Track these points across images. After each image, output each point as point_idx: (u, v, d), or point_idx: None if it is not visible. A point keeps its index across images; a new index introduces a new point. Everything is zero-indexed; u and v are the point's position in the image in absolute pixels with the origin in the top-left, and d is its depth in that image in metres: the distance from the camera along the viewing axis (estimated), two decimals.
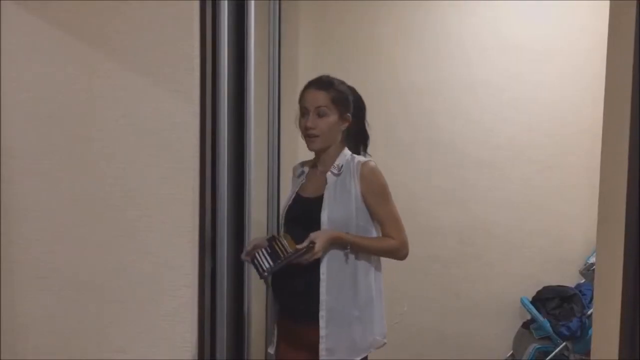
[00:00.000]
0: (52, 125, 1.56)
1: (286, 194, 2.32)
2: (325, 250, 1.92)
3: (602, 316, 1.41)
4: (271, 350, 2.17)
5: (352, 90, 2.10)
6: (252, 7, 2.12)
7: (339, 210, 1.96)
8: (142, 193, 1.55)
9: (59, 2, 1.53)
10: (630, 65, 1.23)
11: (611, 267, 1.30)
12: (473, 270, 3.57)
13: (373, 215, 2.01)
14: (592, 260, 3.25)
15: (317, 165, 2.10)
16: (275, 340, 2.15)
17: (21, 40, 1.55)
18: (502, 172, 3.52)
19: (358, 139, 2.14)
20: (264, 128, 2.84)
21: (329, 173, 2.02)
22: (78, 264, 1.57)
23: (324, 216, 1.95)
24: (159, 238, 1.56)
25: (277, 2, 2.84)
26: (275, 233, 2.10)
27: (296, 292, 2.01)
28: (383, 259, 2.10)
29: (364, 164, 2.00)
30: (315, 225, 1.95)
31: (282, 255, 1.89)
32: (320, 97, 1.98)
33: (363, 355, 2.01)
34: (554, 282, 3.42)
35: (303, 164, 2.19)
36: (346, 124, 2.05)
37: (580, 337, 3.09)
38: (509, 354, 3.52)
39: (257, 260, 1.91)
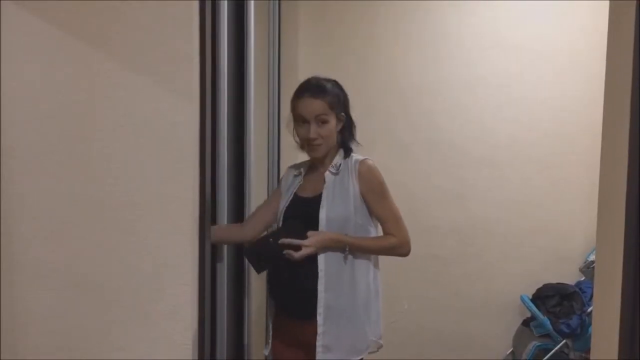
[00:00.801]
0: (51, 124, 1.56)
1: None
2: (320, 249, 1.92)
3: (601, 314, 1.41)
4: (266, 352, 2.17)
5: (337, 84, 2.07)
6: (251, 7, 2.13)
7: (338, 209, 1.96)
8: (142, 192, 1.55)
9: (59, 2, 1.53)
10: (630, 65, 1.23)
11: (611, 265, 1.31)
12: (473, 269, 3.57)
13: (373, 213, 2.01)
14: (592, 257, 3.26)
15: (314, 166, 2.10)
16: (270, 340, 2.15)
17: (21, 40, 1.54)
18: (501, 171, 3.52)
19: (346, 130, 2.10)
20: (263, 127, 2.85)
21: (327, 172, 2.02)
22: (78, 263, 1.57)
23: (322, 215, 1.95)
24: (159, 237, 1.56)
25: (277, 2, 2.84)
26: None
27: (293, 290, 2.01)
28: (382, 258, 2.10)
29: (362, 162, 2.00)
30: (314, 224, 1.95)
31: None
32: (318, 106, 1.96)
33: (360, 357, 2.01)
34: (554, 279, 3.42)
35: (298, 165, 2.18)
36: (341, 124, 2.05)
37: (580, 334, 3.09)
38: (509, 352, 3.52)
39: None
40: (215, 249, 1.85)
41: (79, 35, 1.53)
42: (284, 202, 2.10)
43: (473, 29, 3.49)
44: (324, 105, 1.96)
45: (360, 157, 2.02)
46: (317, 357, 1.94)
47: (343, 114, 2.04)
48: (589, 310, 3.07)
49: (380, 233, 2.06)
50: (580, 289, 3.26)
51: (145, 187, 1.55)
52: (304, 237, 1.91)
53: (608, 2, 1.40)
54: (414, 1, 3.52)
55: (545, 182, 3.49)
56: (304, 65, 3.50)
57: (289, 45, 3.31)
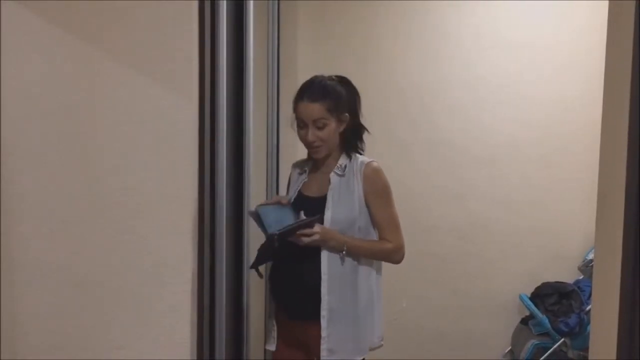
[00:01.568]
0: (51, 123, 1.56)
1: (284, 191, 2.32)
2: (322, 242, 1.92)
3: (600, 312, 1.41)
4: (270, 348, 2.17)
5: (344, 83, 2.05)
6: (250, 5, 2.12)
7: (343, 211, 1.95)
8: (141, 191, 1.56)
9: (59, 2, 1.53)
10: (629, 63, 1.23)
11: (609, 264, 1.31)
12: (472, 267, 3.57)
13: (372, 216, 2.00)
14: (591, 256, 3.26)
15: (318, 165, 2.09)
16: (275, 335, 2.15)
17: (20, 38, 1.54)
18: (500, 170, 3.52)
19: (350, 130, 2.07)
20: (263, 126, 2.84)
21: (332, 173, 2.01)
22: (77, 262, 1.57)
23: (328, 216, 1.95)
24: (158, 235, 1.56)
25: (276, 1, 2.84)
26: None
27: (295, 291, 2.01)
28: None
29: (368, 164, 1.99)
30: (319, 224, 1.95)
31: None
32: (316, 110, 1.94)
33: (362, 356, 2.02)
34: (552, 278, 3.43)
35: (304, 162, 2.17)
36: (344, 125, 2.03)
37: (579, 333, 3.09)
38: (507, 350, 3.53)
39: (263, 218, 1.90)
40: (214, 247, 1.85)
41: (79, 34, 1.53)
42: (288, 199, 2.10)
43: (472, 29, 3.49)
44: (322, 109, 1.94)
45: (367, 159, 2.01)
46: None
47: (346, 114, 2.02)
48: (588, 308, 3.08)
49: None
50: (579, 287, 3.27)
51: (145, 186, 1.55)
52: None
53: (607, 1, 1.40)
54: (413, 1, 3.52)
55: (544, 181, 3.49)
56: (303, 64, 3.50)
57: (288, 45, 3.31)
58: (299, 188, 2.09)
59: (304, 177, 2.11)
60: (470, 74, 3.50)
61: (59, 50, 1.54)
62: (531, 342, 3.20)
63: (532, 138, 3.49)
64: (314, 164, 2.11)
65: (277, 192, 2.90)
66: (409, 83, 3.55)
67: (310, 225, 1.90)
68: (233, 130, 2.05)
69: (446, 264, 3.59)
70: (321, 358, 1.94)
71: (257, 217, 1.92)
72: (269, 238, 1.86)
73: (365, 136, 2.14)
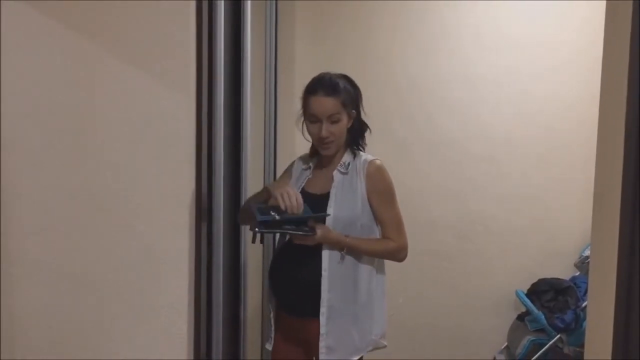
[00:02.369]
0: (49, 119, 1.55)
1: None
2: (321, 243, 1.92)
3: (596, 309, 1.42)
4: (269, 347, 2.17)
5: (349, 80, 2.05)
6: (248, 3, 2.12)
7: (346, 208, 1.95)
8: (139, 187, 1.56)
9: None
10: (627, 61, 1.23)
11: (605, 260, 1.31)
12: (469, 264, 3.58)
13: (375, 215, 1.99)
14: (587, 253, 3.26)
15: (323, 162, 2.08)
16: (272, 335, 2.15)
17: (19, 34, 1.54)
18: (498, 167, 3.53)
19: (357, 131, 2.09)
20: (260, 123, 2.84)
21: (335, 171, 2.00)
22: (75, 258, 1.57)
23: (330, 214, 1.94)
24: (156, 232, 1.56)
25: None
26: None
27: (295, 288, 2.01)
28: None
29: (371, 162, 1.99)
30: (321, 222, 1.94)
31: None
32: (331, 105, 1.94)
33: (361, 354, 2.02)
34: (548, 274, 3.44)
35: (307, 159, 2.16)
36: (351, 121, 2.03)
37: (575, 329, 3.10)
38: (503, 346, 3.54)
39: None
40: (212, 243, 1.85)
41: (77, 30, 1.53)
42: None
43: (471, 27, 3.48)
44: (337, 104, 1.94)
45: (370, 157, 2.01)
46: (320, 358, 1.94)
47: (354, 110, 2.03)
48: (584, 305, 3.09)
49: None
50: (575, 284, 3.28)
51: (142, 183, 1.55)
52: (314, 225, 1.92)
53: (605, 0, 1.41)
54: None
55: (541, 178, 3.50)
56: (301, 62, 3.49)
57: (286, 42, 3.31)
58: (302, 185, 2.08)
59: (308, 173, 2.10)
60: (469, 71, 3.50)
61: (57, 46, 1.54)
62: (527, 338, 3.21)
63: (530, 136, 3.49)
64: (318, 161, 2.11)
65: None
66: (408, 81, 3.54)
67: (317, 219, 1.90)
68: (230, 127, 2.05)
69: (443, 261, 3.60)
70: (320, 355, 1.94)
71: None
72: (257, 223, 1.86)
73: (365, 134, 2.14)
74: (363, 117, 2.11)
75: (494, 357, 3.55)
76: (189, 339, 1.58)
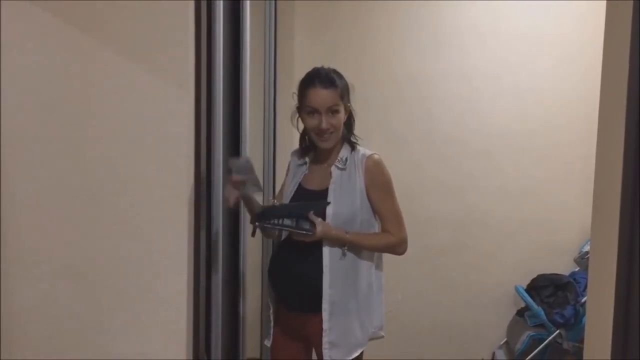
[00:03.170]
0: (46, 113, 1.55)
1: (281, 183, 2.31)
2: (321, 239, 1.92)
3: (595, 304, 1.42)
4: (268, 343, 2.17)
5: (340, 74, 2.06)
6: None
7: (345, 205, 1.94)
8: (137, 181, 1.55)
9: None
10: (627, 55, 1.23)
11: (605, 256, 1.31)
12: (467, 259, 3.58)
13: (374, 209, 1.99)
14: (587, 248, 3.26)
15: (319, 157, 2.08)
16: (271, 332, 2.15)
17: (15, 28, 1.53)
18: (497, 161, 3.52)
19: (350, 125, 2.09)
20: (259, 118, 2.84)
21: (333, 167, 2.00)
22: (72, 252, 1.57)
23: (329, 210, 1.94)
24: (154, 226, 1.56)
25: None
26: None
27: (296, 284, 2.01)
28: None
29: (369, 157, 1.98)
30: (320, 217, 1.94)
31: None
32: (330, 97, 1.95)
33: (363, 349, 2.02)
34: (548, 270, 3.44)
35: (304, 153, 2.16)
36: (347, 115, 2.04)
37: (574, 324, 3.11)
38: (503, 342, 3.54)
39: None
40: (210, 237, 1.85)
41: (75, 24, 1.52)
42: (289, 191, 2.09)
43: (470, 21, 3.48)
44: (336, 95, 1.95)
45: (368, 152, 2.01)
46: (323, 353, 1.95)
47: (349, 104, 2.03)
48: (583, 300, 3.09)
49: None
50: (574, 279, 3.28)
51: (141, 176, 1.55)
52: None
53: None
54: None
55: (540, 172, 3.50)
56: (300, 55, 3.48)
57: (285, 36, 3.30)
58: (299, 181, 2.08)
59: (304, 169, 2.09)
60: (467, 67, 3.50)
61: (54, 40, 1.53)
62: (527, 334, 3.21)
63: (528, 130, 3.49)
64: (315, 156, 2.10)
65: (274, 183, 2.90)
66: (406, 77, 3.54)
67: (318, 208, 1.89)
68: (229, 121, 2.05)
69: (442, 256, 3.60)
70: (323, 351, 1.95)
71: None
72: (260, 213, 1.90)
73: (361, 128, 2.13)
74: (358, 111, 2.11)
75: (493, 353, 3.55)
76: (187, 336, 1.58)
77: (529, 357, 3.17)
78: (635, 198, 1.20)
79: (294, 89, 2.05)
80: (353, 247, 1.95)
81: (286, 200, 2.08)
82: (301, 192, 2.05)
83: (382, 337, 2.09)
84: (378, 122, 3.50)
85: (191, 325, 1.59)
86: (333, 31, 3.54)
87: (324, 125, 1.95)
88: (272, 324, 2.15)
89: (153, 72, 1.52)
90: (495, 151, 3.52)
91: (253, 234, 2.04)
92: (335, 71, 2.03)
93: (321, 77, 1.97)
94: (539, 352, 3.16)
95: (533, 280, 3.40)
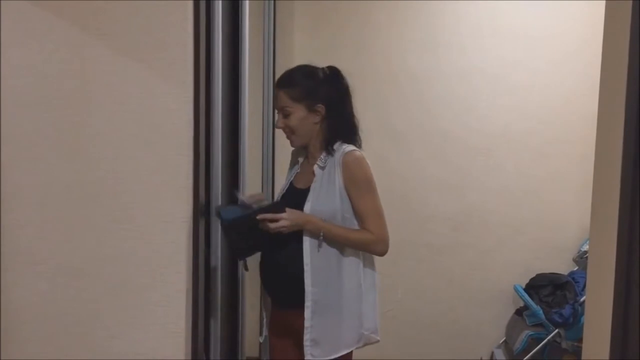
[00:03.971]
0: (44, 111, 1.54)
1: (280, 182, 2.32)
2: (294, 226, 1.90)
3: (594, 304, 1.42)
4: (261, 339, 2.18)
5: (328, 74, 2.02)
6: None
7: (323, 203, 1.94)
8: (136, 179, 1.55)
9: None
10: (626, 53, 1.23)
11: (604, 255, 1.31)
12: (467, 258, 3.58)
13: (353, 207, 1.96)
14: (586, 248, 3.26)
15: (309, 157, 2.08)
16: (265, 329, 2.16)
17: (12, 25, 1.53)
18: (496, 160, 3.52)
19: (335, 126, 2.01)
20: (258, 115, 2.84)
21: (315, 166, 2.00)
22: (71, 250, 1.57)
23: (307, 208, 1.93)
24: (153, 225, 1.55)
25: None
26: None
27: (281, 280, 2.02)
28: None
29: (348, 153, 1.95)
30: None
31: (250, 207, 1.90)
32: (281, 97, 1.97)
33: (350, 349, 2.00)
34: (547, 269, 3.44)
35: (300, 152, 2.16)
36: (319, 116, 1.98)
37: (573, 324, 3.11)
38: (501, 341, 3.54)
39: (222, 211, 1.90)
40: (209, 236, 1.84)
41: (71, 20, 1.52)
42: (281, 191, 2.12)
43: (469, 18, 3.47)
44: (285, 97, 1.95)
45: (349, 149, 1.96)
46: (305, 351, 1.94)
47: (320, 105, 1.97)
48: (582, 300, 3.09)
49: None
50: (573, 278, 3.28)
51: (139, 174, 1.55)
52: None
53: None
54: None
55: (539, 171, 3.50)
56: (299, 52, 3.48)
57: (284, 32, 3.30)
58: (291, 179, 2.10)
59: (297, 167, 2.12)
60: (467, 65, 3.49)
61: (51, 37, 1.53)
62: (525, 333, 3.21)
63: (528, 128, 3.48)
64: (306, 156, 2.11)
65: (273, 181, 2.90)
66: (406, 74, 3.53)
67: (273, 210, 1.89)
68: (228, 119, 2.04)
69: (441, 255, 3.59)
70: (304, 348, 1.94)
71: (219, 215, 1.90)
72: (222, 227, 1.88)
73: (360, 126, 2.10)
74: (355, 112, 2.07)
75: (492, 352, 3.55)
76: (186, 332, 1.58)
77: (528, 356, 3.17)
78: (634, 197, 1.20)
79: None
80: (329, 236, 1.92)
81: (278, 197, 2.12)
82: (290, 190, 2.08)
83: (378, 341, 2.06)
84: (377, 120, 3.50)
85: (190, 324, 1.59)
86: (332, 29, 3.54)
87: (278, 124, 2.00)
88: (265, 320, 2.16)
89: (152, 71, 1.52)
90: (495, 150, 3.52)
91: (246, 268, 2.08)
92: (300, 70, 2.01)
93: (281, 78, 2.01)
94: (537, 351, 3.16)
95: (532, 280, 3.40)
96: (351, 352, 2.01)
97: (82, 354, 1.58)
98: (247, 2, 2.14)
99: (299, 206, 1.94)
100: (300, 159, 2.12)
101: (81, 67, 1.53)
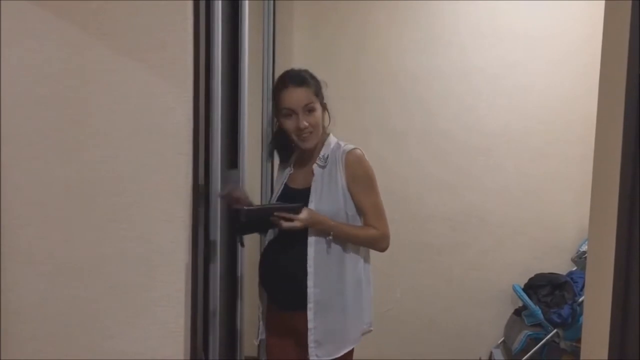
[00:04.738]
0: (43, 110, 1.54)
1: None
2: (308, 226, 1.92)
3: (593, 304, 1.42)
4: (256, 342, 2.18)
5: (311, 73, 2.05)
6: None
7: (327, 203, 1.94)
8: (135, 178, 1.55)
9: None
10: (625, 54, 1.23)
11: (603, 255, 1.31)
12: (466, 258, 3.58)
13: (356, 205, 1.98)
14: (584, 248, 3.27)
15: (303, 157, 2.08)
16: (259, 331, 2.16)
17: (12, 23, 1.53)
18: (495, 160, 3.53)
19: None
20: (257, 115, 2.84)
21: (315, 165, 2.00)
22: (70, 250, 1.57)
23: (312, 208, 1.94)
24: (152, 223, 1.55)
25: None
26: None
27: (283, 281, 2.01)
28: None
29: (350, 152, 1.97)
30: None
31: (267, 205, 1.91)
32: (305, 95, 1.94)
33: (353, 346, 2.02)
34: (546, 269, 3.44)
35: (287, 159, 2.17)
36: (325, 112, 2.03)
37: (571, 324, 3.11)
38: (500, 341, 3.54)
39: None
40: (208, 235, 1.84)
41: (71, 19, 1.52)
42: (276, 193, 2.10)
43: (469, 18, 3.48)
44: (310, 93, 1.95)
45: (349, 147, 1.99)
46: (309, 352, 1.95)
47: (325, 102, 2.03)
48: (580, 300, 3.09)
49: None
50: (571, 278, 3.28)
51: (139, 173, 1.55)
52: (292, 229, 1.91)
53: None
54: None
55: (538, 171, 3.50)
56: (299, 55, 3.48)
57: (283, 32, 3.29)
58: (285, 181, 2.09)
59: (289, 169, 2.11)
60: (466, 65, 3.50)
61: (51, 37, 1.53)
62: (524, 333, 3.22)
63: (527, 128, 3.49)
64: (298, 156, 2.10)
65: (272, 180, 2.90)
66: (405, 74, 3.53)
67: (291, 211, 1.90)
68: (227, 118, 2.04)
69: (440, 255, 3.60)
70: (309, 349, 1.94)
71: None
72: (238, 212, 1.89)
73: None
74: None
75: (491, 352, 3.55)
76: (185, 331, 1.58)
77: (526, 356, 3.18)
78: (633, 198, 1.21)
79: None
80: (338, 235, 1.94)
81: (274, 199, 2.10)
82: (287, 191, 2.07)
83: (371, 330, 2.09)
84: (376, 120, 3.50)
85: (189, 324, 1.59)
86: (331, 29, 3.54)
87: (302, 124, 1.94)
88: (261, 322, 2.15)
89: (152, 70, 1.52)
90: (494, 150, 3.52)
91: (242, 244, 2.06)
92: (305, 71, 2.03)
93: (292, 77, 1.98)
94: (536, 351, 3.17)
95: (531, 280, 3.40)
96: (353, 348, 2.02)
97: (82, 354, 1.58)
98: (247, 2, 2.14)
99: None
100: (291, 162, 2.12)
101: (81, 66, 1.53)
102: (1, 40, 1.52)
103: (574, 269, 3.39)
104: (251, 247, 2.68)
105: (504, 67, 3.47)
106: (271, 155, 2.18)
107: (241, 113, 2.19)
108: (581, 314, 3.00)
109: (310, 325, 1.94)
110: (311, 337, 1.94)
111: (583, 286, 3.11)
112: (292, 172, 2.10)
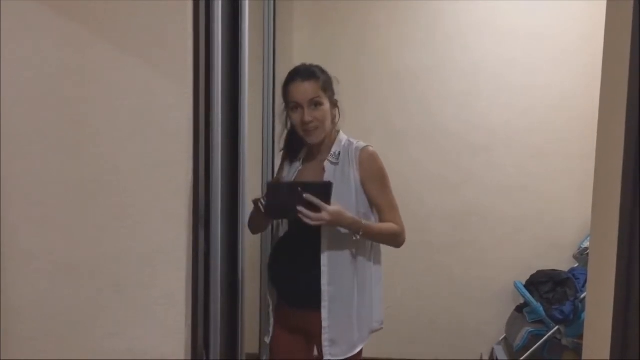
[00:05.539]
0: (42, 108, 1.54)
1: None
2: (332, 222, 1.87)
3: (595, 300, 1.41)
4: (267, 340, 2.17)
5: (323, 69, 2.05)
6: None
7: (340, 199, 1.93)
8: (135, 176, 1.54)
9: None
10: (627, 52, 1.22)
11: (605, 252, 1.31)
12: (467, 255, 3.58)
13: (372, 202, 1.99)
14: (586, 244, 3.27)
15: (312, 152, 2.07)
16: (271, 329, 2.15)
17: (11, 21, 1.52)
18: (496, 158, 3.53)
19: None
20: (258, 112, 2.83)
21: (326, 162, 1.99)
22: (70, 248, 1.56)
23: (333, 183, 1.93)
24: (152, 222, 1.55)
25: None
26: None
27: (296, 279, 2.01)
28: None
29: (363, 149, 1.97)
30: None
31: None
32: (311, 88, 1.94)
33: (364, 344, 2.02)
34: (547, 266, 3.44)
35: (296, 151, 2.15)
36: (336, 109, 2.03)
37: (573, 320, 3.11)
38: (502, 338, 3.54)
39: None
40: (209, 234, 1.84)
41: (71, 16, 1.51)
42: None
43: (470, 16, 3.48)
44: (316, 87, 1.94)
45: (362, 145, 1.99)
46: (323, 351, 1.95)
47: (336, 98, 2.02)
48: (582, 296, 3.09)
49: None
50: (573, 275, 3.28)
51: (139, 172, 1.54)
52: (302, 226, 1.86)
53: None
54: None
55: (540, 168, 3.50)
56: (299, 49, 3.48)
57: (284, 30, 3.29)
58: (294, 177, 2.08)
59: (298, 165, 2.09)
60: (466, 61, 3.50)
61: (50, 34, 1.52)
62: (525, 330, 3.22)
63: (527, 125, 3.49)
64: (308, 152, 2.10)
65: (273, 178, 2.90)
66: (405, 72, 3.54)
67: (322, 191, 1.85)
68: (228, 117, 2.04)
69: (441, 252, 3.60)
70: (323, 348, 1.94)
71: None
72: (291, 185, 1.91)
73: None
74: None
75: (492, 349, 3.56)
76: (186, 329, 1.57)
77: (528, 353, 3.18)
78: (635, 194, 1.20)
79: None
80: (366, 234, 1.92)
81: None
82: None
83: (382, 328, 2.10)
84: (377, 117, 3.50)
85: (190, 322, 1.59)
86: (332, 27, 3.53)
87: (307, 117, 1.93)
88: (271, 320, 2.14)
89: (152, 67, 1.51)
90: (495, 147, 3.52)
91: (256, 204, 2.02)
92: (317, 66, 2.03)
93: (300, 72, 1.98)
94: (537, 348, 3.17)
95: (532, 276, 3.40)
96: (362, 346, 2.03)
97: (82, 353, 1.58)
98: (247, 2, 2.14)
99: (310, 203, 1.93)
100: (301, 156, 2.11)
101: (81, 66, 1.53)
102: (1, 37, 1.52)
103: (576, 265, 3.40)
104: (251, 246, 2.69)
105: (505, 66, 3.47)
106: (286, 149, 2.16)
107: (241, 112, 2.18)
108: (583, 310, 3.00)
109: (324, 324, 1.93)
110: (325, 336, 1.94)
111: (585, 283, 3.11)
112: (301, 167, 2.09)
